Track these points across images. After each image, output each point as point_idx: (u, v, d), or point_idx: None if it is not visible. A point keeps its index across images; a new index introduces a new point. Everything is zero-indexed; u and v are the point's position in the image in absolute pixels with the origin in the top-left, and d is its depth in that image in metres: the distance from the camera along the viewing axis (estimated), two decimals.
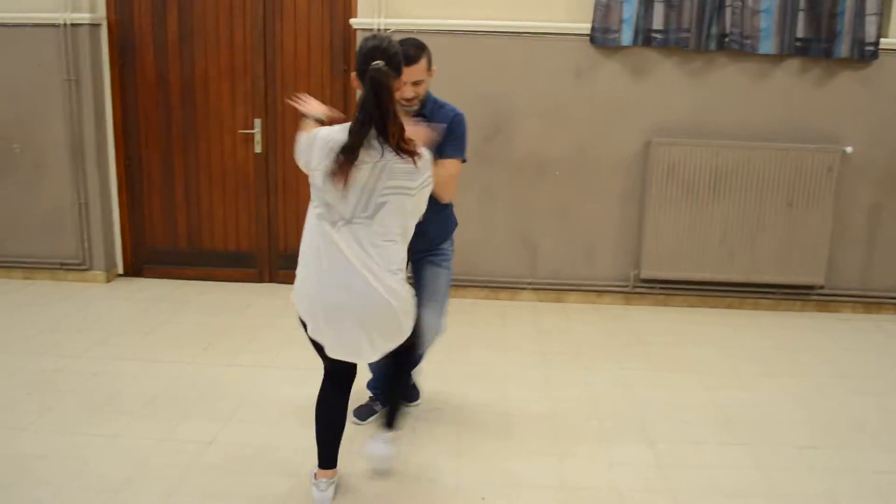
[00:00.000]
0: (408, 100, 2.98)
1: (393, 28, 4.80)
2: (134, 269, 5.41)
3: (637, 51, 4.83)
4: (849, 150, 4.90)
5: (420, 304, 2.89)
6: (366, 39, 2.58)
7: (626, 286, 5.16)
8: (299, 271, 2.69)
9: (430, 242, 3.16)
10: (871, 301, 5.18)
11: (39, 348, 4.16)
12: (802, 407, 3.77)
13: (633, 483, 3.04)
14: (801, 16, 4.71)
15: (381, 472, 3.03)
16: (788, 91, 4.89)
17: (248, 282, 5.36)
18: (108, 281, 5.30)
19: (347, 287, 2.55)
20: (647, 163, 4.94)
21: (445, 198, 3.06)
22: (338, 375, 2.85)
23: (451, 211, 3.31)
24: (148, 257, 5.39)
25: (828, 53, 4.77)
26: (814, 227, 4.97)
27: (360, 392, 3.45)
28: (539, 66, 4.88)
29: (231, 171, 5.22)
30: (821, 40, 4.75)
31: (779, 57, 4.82)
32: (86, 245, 5.21)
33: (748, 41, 4.74)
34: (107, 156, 5.20)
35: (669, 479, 3.08)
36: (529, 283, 5.19)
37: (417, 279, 3.20)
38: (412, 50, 2.94)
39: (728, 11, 4.69)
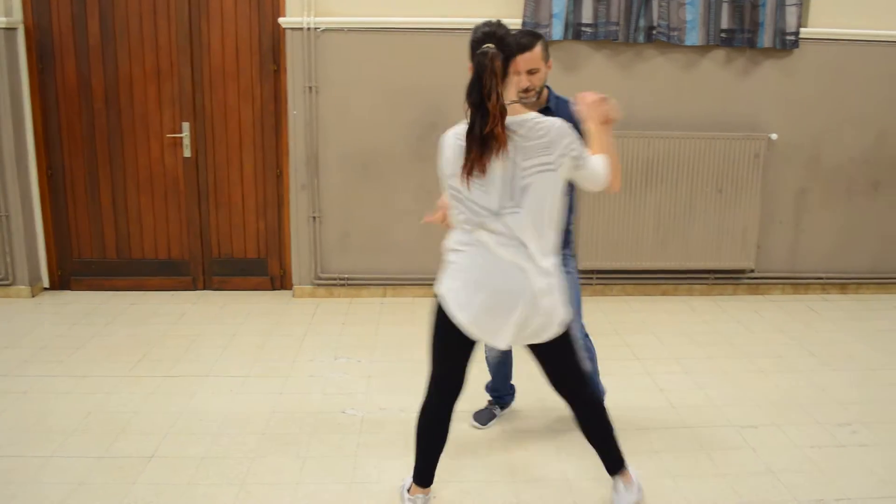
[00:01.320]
0: (524, 91, 2.86)
1: (323, 27, 4.74)
2: (61, 282, 5.22)
3: (568, 45, 4.87)
4: (774, 136, 5.03)
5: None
6: (477, 27, 2.46)
7: None
8: (448, 283, 2.53)
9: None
10: (800, 282, 5.34)
11: None
12: (740, 388, 3.85)
13: (582, 471, 3.06)
14: (724, 7, 4.82)
15: None
16: (715, 81, 5.00)
17: (182, 290, 5.22)
18: (34, 295, 5.10)
19: (504, 284, 2.44)
20: None
21: (616, 186, 2.72)
22: (447, 384, 2.68)
23: (571, 217, 3.20)
24: (75, 269, 5.20)
25: (751, 43, 4.89)
26: (743, 212, 5.10)
27: (479, 396, 3.48)
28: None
29: (160, 177, 5.08)
30: (744, 31, 4.86)
31: (705, 48, 4.93)
32: (8, 259, 5.00)
33: (675, 33, 4.82)
34: (27, 165, 4.99)
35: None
36: None
37: None
38: (526, 38, 2.84)
39: (655, 4, 4.76)
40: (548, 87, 3.07)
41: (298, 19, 4.73)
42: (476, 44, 2.39)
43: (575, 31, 4.80)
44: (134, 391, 3.73)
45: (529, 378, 3.37)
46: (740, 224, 5.12)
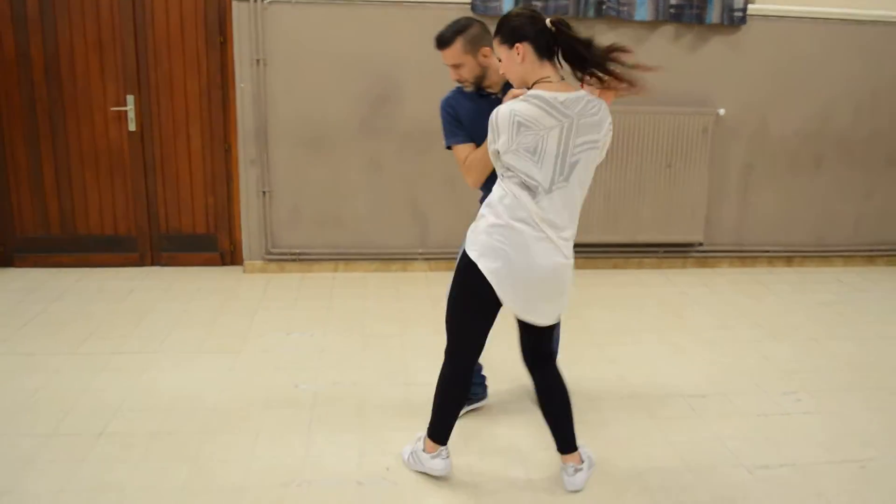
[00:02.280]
0: (458, 82, 2.95)
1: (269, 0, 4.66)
2: (3, 259, 5.07)
3: None
4: (722, 111, 5.11)
5: None
6: (512, 12, 2.54)
7: None
8: (491, 263, 2.52)
9: None
10: (747, 255, 5.45)
11: None
12: (689, 359, 3.93)
13: (533, 442, 3.10)
14: None
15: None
16: (664, 56, 5.04)
17: (129, 266, 5.13)
18: None
19: (546, 263, 2.51)
20: None
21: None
22: (469, 352, 2.74)
23: None
24: (18, 246, 5.07)
25: (700, 19, 4.94)
26: (692, 186, 5.17)
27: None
28: (423, 34, 4.77)
29: (104, 151, 4.96)
30: (693, 6, 4.91)
31: (654, 23, 4.96)
32: None
33: (624, 8, 4.85)
34: None
35: None
36: (420, 254, 5.18)
37: None
38: (447, 33, 2.86)
39: None
40: None
41: None
42: (532, 21, 2.48)
43: (525, 7, 4.79)
44: (82, 369, 3.66)
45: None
46: (689, 198, 5.19)
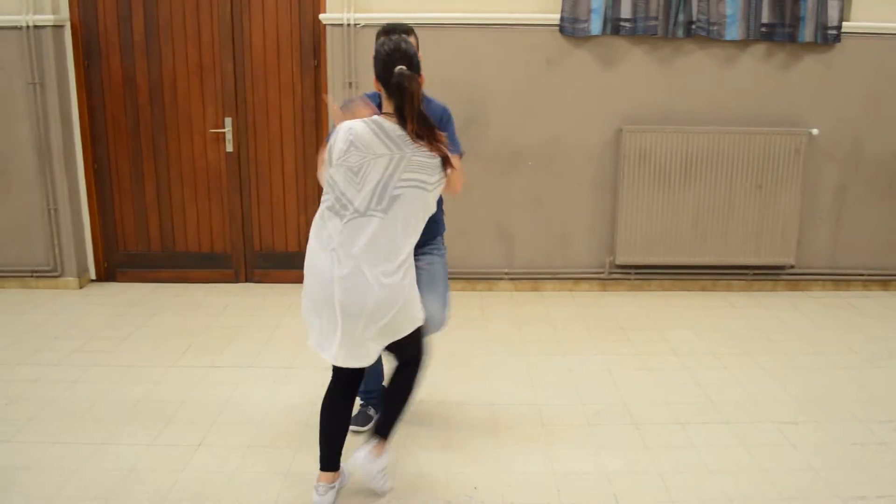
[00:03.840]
0: None
1: (362, 23, 4.79)
2: (107, 273, 5.34)
3: (606, 40, 4.87)
4: (815, 132, 4.99)
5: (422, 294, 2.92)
6: (381, 43, 2.62)
7: (602, 272, 5.22)
8: (306, 269, 2.69)
9: (423, 236, 3.15)
10: (840, 278, 5.30)
11: (15, 358, 4.09)
12: (780, 384, 3.84)
13: (622, 465, 3.09)
14: (765, 1, 4.79)
15: (375, 485, 2.89)
16: (755, 75, 4.97)
17: (224, 282, 5.32)
18: (81, 287, 5.22)
19: (355, 284, 2.55)
20: (619, 150, 4.99)
21: (458, 191, 2.94)
22: (347, 377, 2.83)
23: (442, 207, 3.30)
24: (121, 261, 5.33)
25: (792, 38, 4.86)
26: (783, 208, 5.06)
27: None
28: (510, 57, 4.90)
29: (202, 171, 5.18)
30: (785, 25, 4.83)
31: (745, 42, 4.90)
32: (56, 251, 5.13)
33: (715, 27, 4.80)
34: (74, 159, 5.12)
35: (657, 460, 3.13)
36: (506, 274, 5.22)
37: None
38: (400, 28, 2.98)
39: None
40: None
41: (338, 15, 4.78)
42: (384, 63, 2.55)
43: (613, 26, 4.80)
44: (180, 381, 3.82)
45: None
46: (780, 220, 5.09)
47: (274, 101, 5.07)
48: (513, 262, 5.19)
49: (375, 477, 2.86)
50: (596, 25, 4.76)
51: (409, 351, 2.84)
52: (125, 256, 5.32)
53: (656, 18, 4.76)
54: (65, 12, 4.94)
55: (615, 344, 4.33)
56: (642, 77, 4.94)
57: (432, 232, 3.20)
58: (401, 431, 3.33)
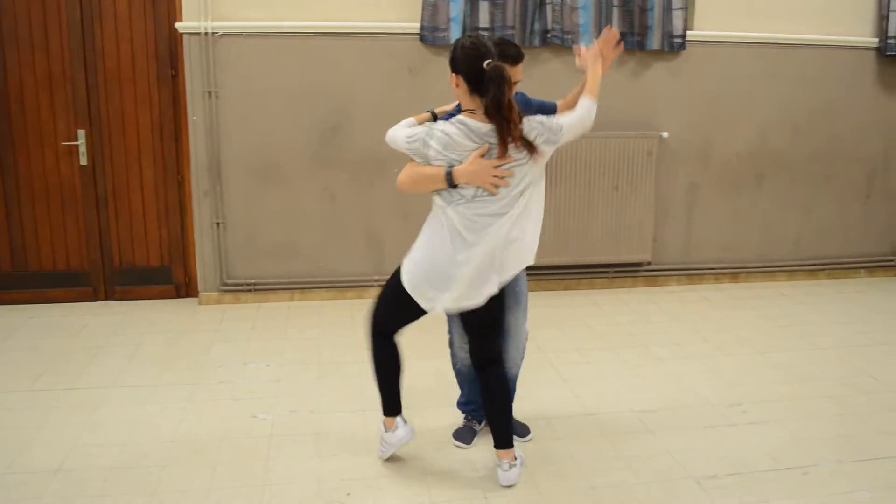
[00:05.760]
0: None
1: (221, 31, 4.72)
2: None
3: None
4: (665, 135, 5.27)
5: (507, 310, 3.09)
6: (461, 40, 2.71)
7: None
8: (418, 255, 2.93)
9: None
10: (694, 273, 5.61)
11: None
12: (639, 375, 4.04)
13: (489, 459, 3.15)
14: (615, 11, 5.03)
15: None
16: (608, 82, 5.06)
17: (83, 301, 5.09)
18: None
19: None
20: None
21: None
22: (389, 332, 3.05)
23: None
24: None
25: (641, 46, 5.12)
26: (639, 208, 5.32)
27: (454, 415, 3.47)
28: (373, 65, 4.93)
29: (55, 186, 4.94)
30: (634, 34, 5.08)
31: None
32: None
33: (569, 36, 4.99)
34: None
35: (527, 452, 3.21)
36: (376, 281, 5.23)
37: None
38: (516, 50, 2.96)
39: (549, 9, 4.92)
40: None
41: (195, 24, 4.69)
42: (469, 58, 2.64)
43: (470, 36, 4.90)
44: (36, 406, 3.63)
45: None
46: (637, 219, 5.34)
47: (130, 112, 4.91)
48: (382, 268, 5.21)
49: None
50: (455, 34, 4.85)
51: (489, 348, 2.98)
52: None
53: (513, 27, 4.91)
54: None
55: None
56: None
57: None
58: (267, 443, 3.30)
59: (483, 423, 3.39)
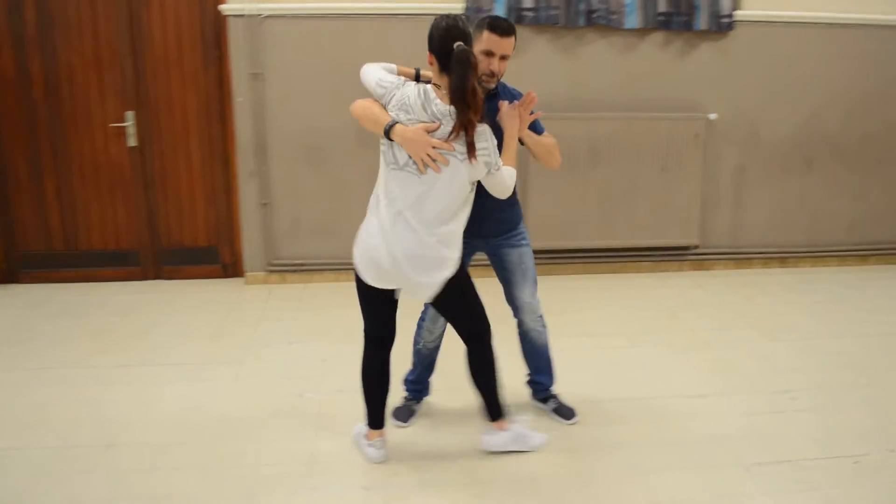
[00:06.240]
0: (489, 75, 2.88)
1: (266, 13, 4.74)
2: (7, 275, 5.13)
3: None
4: (713, 116, 5.18)
5: (516, 286, 3.19)
6: (438, 20, 2.67)
7: None
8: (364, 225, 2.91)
9: (506, 224, 3.16)
10: (741, 257, 5.52)
11: None
12: (687, 360, 4.00)
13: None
14: None
15: (532, 445, 3.12)
16: (654, 63, 5.12)
17: (133, 280, 5.18)
18: None
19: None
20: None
21: (557, 164, 3.12)
22: (379, 337, 3.03)
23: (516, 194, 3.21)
24: (22, 262, 5.12)
25: (688, 26, 5.03)
26: (686, 190, 5.24)
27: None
28: (417, 46, 4.88)
29: (105, 167, 5.02)
30: (681, 14, 4.99)
31: (643, 31, 5.04)
32: None
33: (614, 16, 4.93)
34: None
35: (571, 436, 3.22)
36: None
37: (503, 264, 3.22)
38: (506, 23, 2.89)
39: None
40: None
41: (239, 6, 4.71)
42: (441, 38, 2.62)
43: (516, 16, 4.87)
44: (89, 382, 3.72)
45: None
46: (683, 202, 5.27)
47: (177, 93, 4.96)
48: None
49: (522, 443, 3.10)
50: (499, 12, 4.81)
51: (466, 327, 2.99)
52: (26, 257, 5.12)
53: (558, 8, 4.85)
54: None
55: None
56: (546, 65, 5.03)
57: (515, 219, 3.19)
58: (317, 421, 3.33)
59: (420, 403, 3.46)
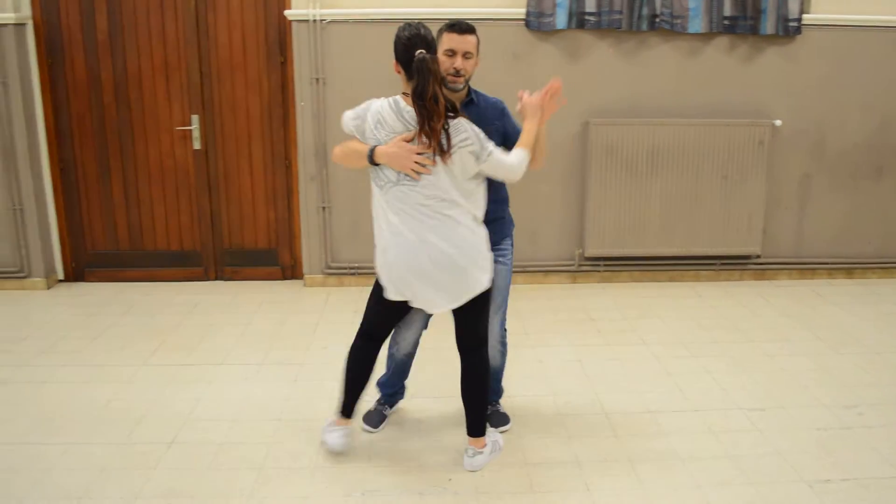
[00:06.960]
0: (455, 75, 2.88)
1: (328, 19, 4.79)
2: (75, 273, 5.29)
3: (572, 34, 4.90)
4: (778, 123, 5.07)
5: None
6: (402, 28, 2.74)
7: (572, 265, 5.26)
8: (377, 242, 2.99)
9: (492, 236, 3.03)
10: (806, 267, 5.39)
11: None
12: (747, 371, 3.91)
13: (593, 455, 3.13)
14: None
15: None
16: (719, 68, 5.03)
17: (194, 280, 5.29)
18: (49, 287, 5.17)
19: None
20: (587, 143, 5.03)
21: (542, 166, 3.07)
22: (375, 336, 3.11)
23: (507, 205, 3.20)
24: (89, 261, 5.28)
25: (754, 30, 4.93)
26: (748, 198, 5.14)
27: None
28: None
29: (170, 169, 5.14)
30: (747, 18, 4.90)
31: (708, 35, 4.96)
32: (23, 252, 5.07)
33: (678, 21, 4.86)
34: (39, 159, 5.06)
35: (627, 448, 3.18)
36: None
37: None
38: (465, 23, 2.94)
39: None
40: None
41: (304, 11, 4.77)
42: (405, 48, 2.70)
43: (579, 20, 4.84)
44: (151, 380, 3.81)
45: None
46: (746, 210, 5.16)
47: (241, 97, 5.05)
48: None
49: (497, 450, 3.13)
50: (561, 19, 4.79)
51: (471, 335, 3.00)
52: (93, 256, 5.27)
53: (620, 12, 4.80)
54: (26, 10, 4.86)
55: (585, 335, 4.38)
56: (608, 70, 4.99)
57: (500, 233, 3.12)
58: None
59: (393, 409, 3.47)
